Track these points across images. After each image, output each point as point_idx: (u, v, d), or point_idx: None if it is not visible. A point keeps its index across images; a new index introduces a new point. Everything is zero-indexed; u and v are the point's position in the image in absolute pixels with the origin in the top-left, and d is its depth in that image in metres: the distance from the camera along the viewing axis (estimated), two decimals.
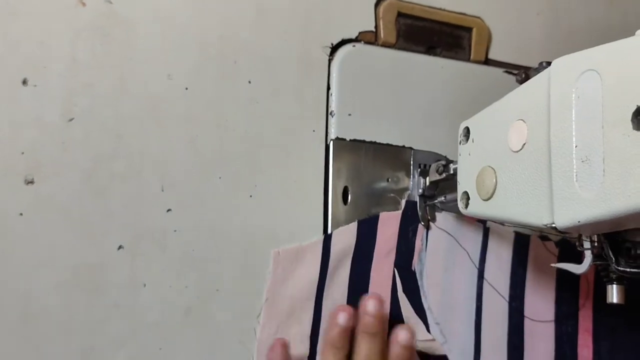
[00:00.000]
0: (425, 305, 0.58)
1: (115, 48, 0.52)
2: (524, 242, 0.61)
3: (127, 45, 0.53)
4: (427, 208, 0.60)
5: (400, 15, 0.62)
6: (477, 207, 0.49)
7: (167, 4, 0.54)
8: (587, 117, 0.38)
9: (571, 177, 0.38)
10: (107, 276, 0.51)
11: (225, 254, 0.55)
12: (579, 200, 0.37)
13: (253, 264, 0.55)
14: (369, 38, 0.62)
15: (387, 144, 0.61)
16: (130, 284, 0.52)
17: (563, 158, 0.39)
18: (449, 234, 0.60)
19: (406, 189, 0.61)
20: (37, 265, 0.49)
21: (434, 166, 0.58)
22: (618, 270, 0.40)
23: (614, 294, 0.44)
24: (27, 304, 0.49)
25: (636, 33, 0.36)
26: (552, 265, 0.48)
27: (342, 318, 0.51)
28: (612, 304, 0.45)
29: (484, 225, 0.61)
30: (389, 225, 0.59)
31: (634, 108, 0.34)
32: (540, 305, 0.61)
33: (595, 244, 0.41)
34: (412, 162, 0.62)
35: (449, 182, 0.57)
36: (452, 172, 0.55)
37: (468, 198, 0.51)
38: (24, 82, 0.50)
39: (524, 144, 0.44)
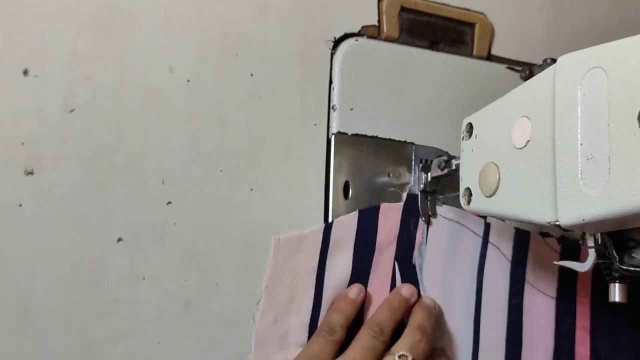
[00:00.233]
0: None
1: (117, 40, 0.52)
2: (524, 238, 0.61)
3: (129, 37, 0.53)
4: (429, 203, 0.60)
5: (403, 9, 0.62)
6: (479, 204, 0.49)
7: None
8: (592, 114, 0.38)
9: (576, 175, 0.38)
10: (107, 269, 0.51)
11: (225, 248, 0.54)
12: (583, 198, 0.37)
13: (253, 258, 0.55)
14: (372, 32, 0.61)
15: (389, 139, 0.61)
16: (130, 278, 0.51)
17: (568, 155, 0.39)
18: (451, 220, 0.60)
19: (407, 184, 0.61)
20: (36, 258, 0.49)
21: (435, 162, 0.58)
22: (621, 269, 0.40)
23: (616, 293, 0.44)
24: (26, 297, 0.48)
25: None
26: (555, 263, 0.48)
27: (355, 290, 0.55)
28: (612, 303, 0.45)
29: (484, 220, 0.61)
30: (390, 216, 0.59)
31: None
32: (539, 302, 0.61)
33: (599, 242, 0.41)
34: (413, 158, 0.62)
35: (450, 178, 0.57)
36: (454, 167, 0.55)
37: (470, 194, 0.50)
38: (25, 72, 0.49)
39: (528, 141, 0.43)
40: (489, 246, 0.61)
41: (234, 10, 0.56)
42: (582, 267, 0.43)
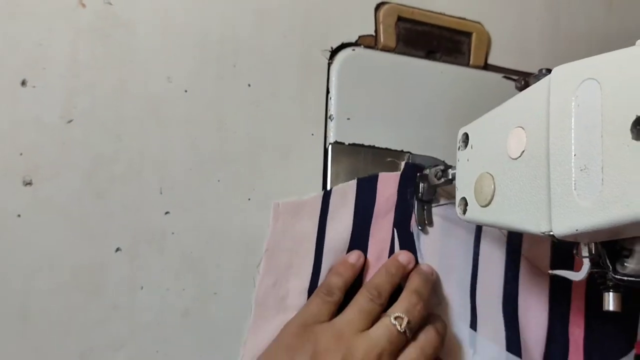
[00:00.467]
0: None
1: (115, 49, 0.52)
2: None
3: (127, 46, 0.53)
4: (425, 212, 0.60)
5: (400, 19, 0.62)
6: (474, 214, 0.50)
7: (167, 6, 0.54)
8: (586, 125, 0.38)
9: (570, 186, 0.38)
10: (106, 278, 0.51)
11: (223, 257, 0.55)
12: (577, 208, 0.38)
13: (251, 267, 0.55)
14: (369, 42, 0.62)
15: (386, 148, 0.61)
16: (129, 286, 0.52)
17: (562, 166, 0.39)
18: (445, 219, 0.61)
19: (406, 153, 0.62)
20: (35, 267, 0.49)
21: (432, 171, 0.58)
22: (615, 278, 0.40)
23: (610, 302, 0.44)
24: (25, 305, 0.49)
25: (637, 43, 0.37)
26: (550, 272, 0.48)
27: (354, 255, 0.56)
28: None
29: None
30: (388, 185, 0.59)
31: (634, 118, 0.34)
32: (535, 277, 0.61)
33: (593, 252, 0.41)
34: None
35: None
36: (450, 177, 0.55)
37: (466, 204, 0.51)
38: (23, 82, 0.49)
39: (523, 151, 0.44)
40: (483, 234, 0.61)
41: (231, 20, 0.56)
42: (577, 276, 0.43)
